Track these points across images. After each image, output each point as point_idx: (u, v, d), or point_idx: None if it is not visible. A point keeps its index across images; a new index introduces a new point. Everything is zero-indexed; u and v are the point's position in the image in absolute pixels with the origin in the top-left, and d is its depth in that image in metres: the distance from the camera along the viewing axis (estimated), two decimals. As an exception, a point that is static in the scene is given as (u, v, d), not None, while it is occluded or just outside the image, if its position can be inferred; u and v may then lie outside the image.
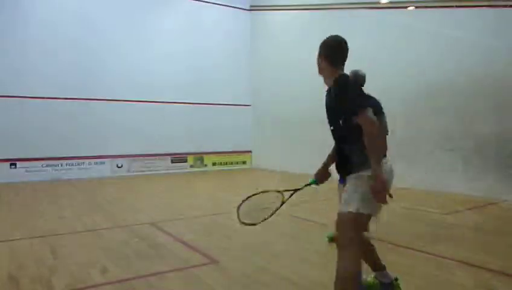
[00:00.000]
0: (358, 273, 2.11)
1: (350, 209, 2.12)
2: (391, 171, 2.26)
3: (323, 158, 2.56)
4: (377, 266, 2.65)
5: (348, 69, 2.36)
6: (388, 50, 8.50)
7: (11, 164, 9.87)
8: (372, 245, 2.63)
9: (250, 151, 13.71)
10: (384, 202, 2.05)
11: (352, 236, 2.13)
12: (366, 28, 9.07)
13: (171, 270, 3.17)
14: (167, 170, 12.03)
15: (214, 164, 12.95)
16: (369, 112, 2.05)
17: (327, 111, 2.37)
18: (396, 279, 2.67)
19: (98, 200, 7.03)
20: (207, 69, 12.63)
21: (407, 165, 8.01)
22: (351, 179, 2.22)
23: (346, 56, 2.29)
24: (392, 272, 2.65)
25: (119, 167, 11.29)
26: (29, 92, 10.04)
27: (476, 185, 6.80)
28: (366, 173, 2.10)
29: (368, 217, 2.22)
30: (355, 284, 2.07)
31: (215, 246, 3.87)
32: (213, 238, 4.22)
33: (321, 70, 2.32)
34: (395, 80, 8.34)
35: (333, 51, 2.26)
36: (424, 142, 7.70)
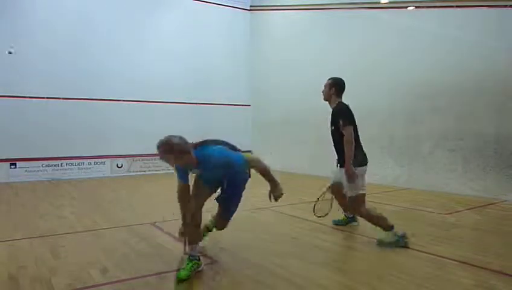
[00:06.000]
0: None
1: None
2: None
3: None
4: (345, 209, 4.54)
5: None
6: (388, 50, 8.50)
7: (11, 164, 9.85)
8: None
9: (250, 151, 13.70)
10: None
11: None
12: (366, 28, 9.07)
13: (171, 271, 3.17)
14: (167, 170, 12.01)
15: (214, 164, 12.92)
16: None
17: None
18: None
19: (98, 200, 7.02)
20: (207, 69, 12.61)
21: (407, 165, 8.02)
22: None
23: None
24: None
25: (119, 167, 11.28)
26: (29, 92, 10.04)
27: (476, 185, 6.80)
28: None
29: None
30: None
31: (215, 246, 3.87)
32: (213, 238, 4.21)
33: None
34: (395, 80, 8.34)
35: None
36: (424, 142, 7.70)
